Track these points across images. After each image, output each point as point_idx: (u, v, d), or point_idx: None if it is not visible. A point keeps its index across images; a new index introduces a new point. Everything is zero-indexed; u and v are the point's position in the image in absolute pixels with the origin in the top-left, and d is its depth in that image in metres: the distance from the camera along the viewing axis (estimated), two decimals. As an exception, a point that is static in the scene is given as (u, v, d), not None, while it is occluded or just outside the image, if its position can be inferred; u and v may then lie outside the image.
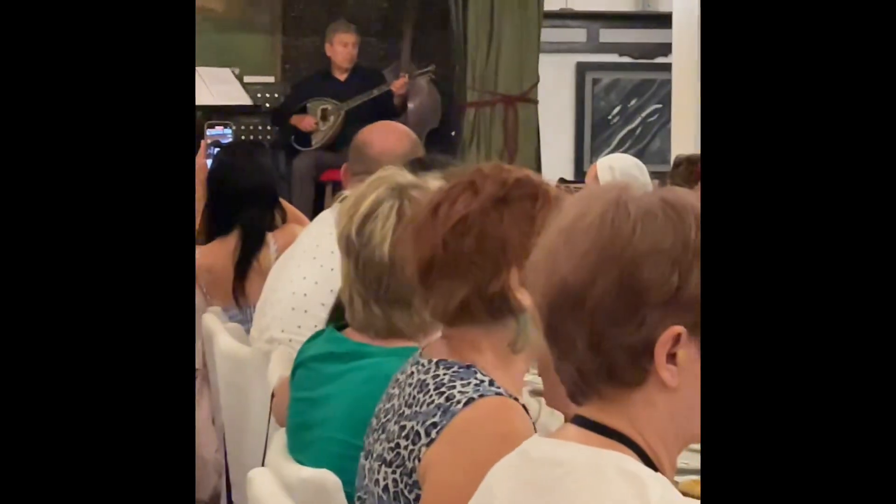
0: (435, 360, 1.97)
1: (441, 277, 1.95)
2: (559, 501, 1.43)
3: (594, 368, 1.42)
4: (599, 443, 1.42)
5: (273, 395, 3.05)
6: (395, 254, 2.24)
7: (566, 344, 1.43)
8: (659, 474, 1.38)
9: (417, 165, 3.14)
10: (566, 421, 1.62)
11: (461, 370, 1.93)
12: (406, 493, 1.87)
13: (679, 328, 1.33)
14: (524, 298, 1.75)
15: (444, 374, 1.94)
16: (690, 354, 1.38)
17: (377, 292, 2.34)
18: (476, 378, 1.91)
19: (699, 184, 4.93)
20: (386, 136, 3.95)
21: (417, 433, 1.89)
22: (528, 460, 1.51)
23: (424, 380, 1.96)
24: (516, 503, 1.49)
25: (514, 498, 1.49)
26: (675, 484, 1.49)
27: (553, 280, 1.43)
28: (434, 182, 2.37)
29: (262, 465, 2.59)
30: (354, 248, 2.36)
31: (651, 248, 1.38)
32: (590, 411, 1.45)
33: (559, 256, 1.43)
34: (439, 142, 7.76)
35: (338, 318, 2.67)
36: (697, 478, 2.34)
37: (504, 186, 1.95)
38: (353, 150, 3.87)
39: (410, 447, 1.88)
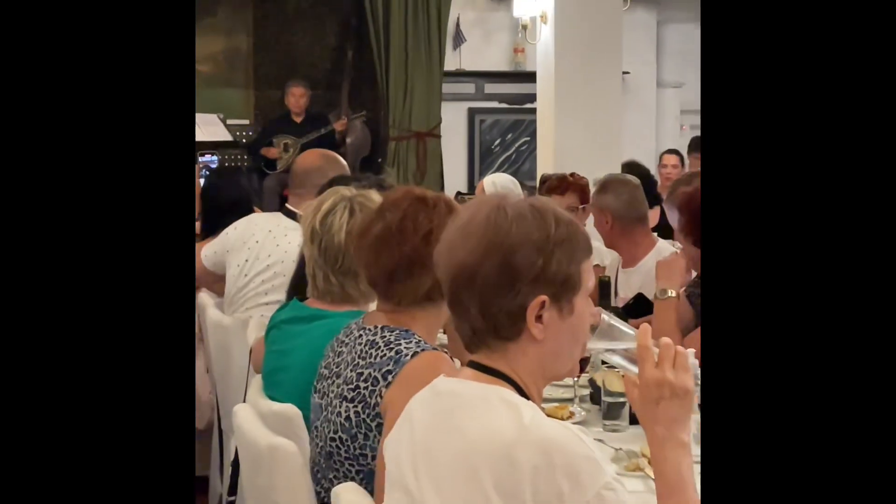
0: (380, 326, 2.14)
1: (410, 275, 2.07)
2: (457, 421, 1.55)
3: (483, 327, 1.54)
4: (487, 380, 1.56)
5: (251, 351, 3.19)
6: (348, 240, 2.40)
7: (463, 309, 1.55)
8: (530, 402, 1.52)
9: (341, 181, 3.38)
10: (462, 365, 1.72)
11: (402, 333, 2.09)
12: (368, 421, 2.00)
13: (543, 297, 1.50)
14: None
15: (391, 335, 2.09)
16: (552, 316, 1.54)
17: (334, 266, 2.50)
18: (415, 338, 2.06)
19: (563, 195, 4.41)
20: (308, 159, 4.25)
21: (375, 378, 2.02)
22: (436, 393, 1.62)
23: (374, 340, 2.10)
24: (426, 424, 1.60)
25: (425, 420, 1.60)
26: (542, 409, 1.59)
27: (453, 263, 1.55)
28: (374, 195, 2.64)
29: (244, 401, 2.66)
30: (318, 236, 2.55)
31: (523, 239, 1.51)
32: (480, 358, 1.59)
33: (457, 246, 1.55)
34: (369, 167, 8.36)
35: (299, 293, 2.83)
36: (559, 404, 2.74)
37: (451, 206, 2.14)
38: (291, 173, 4.32)
39: (371, 388, 2.01)
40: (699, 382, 1.94)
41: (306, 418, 2.34)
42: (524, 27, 7.95)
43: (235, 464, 2.89)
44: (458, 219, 1.67)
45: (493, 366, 1.59)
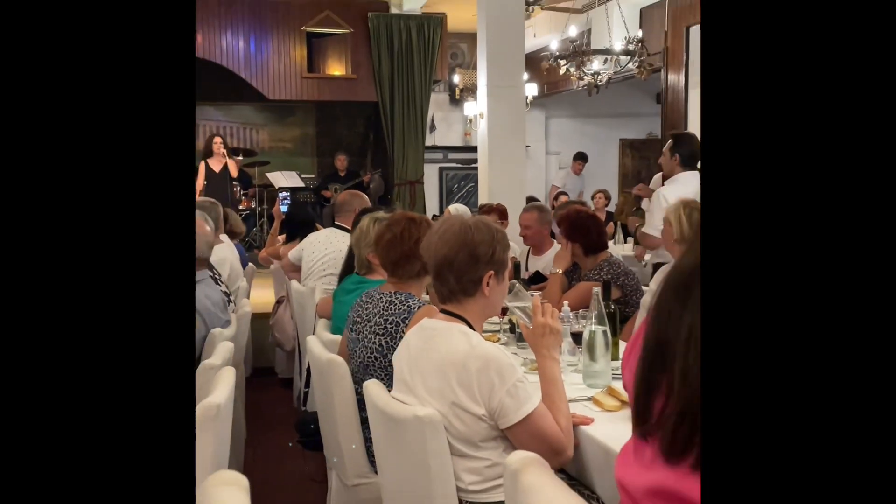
0: (393, 292, 2.38)
1: (407, 263, 2.39)
2: (434, 343, 1.80)
3: (455, 290, 1.85)
4: (452, 320, 1.82)
5: (317, 305, 3.54)
6: (376, 242, 2.55)
7: (443, 280, 1.84)
8: (476, 332, 1.80)
9: (367, 211, 3.75)
10: (438, 310, 1.90)
11: (408, 296, 2.38)
12: (393, 346, 2.22)
13: (491, 272, 1.81)
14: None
15: (402, 297, 2.38)
16: (493, 283, 1.84)
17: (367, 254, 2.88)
18: (415, 298, 2.37)
19: (490, 214, 4.99)
20: (345, 196, 4.63)
21: (396, 322, 2.31)
22: (422, 327, 1.88)
23: (391, 300, 2.37)
24: (416, 345, 1.86)
25: (416, 342, 1.86)
26: (483, 336, 1.79)
27: (438, 255, 1.84)
28: (383, 215, 2.90)
29: (313, 334, 2.84)
30: (364, 237, 2.87)
31: (480, 240, 1.82)
32: (448, 308, 1.85)
33: (439, 245, 1.84)
34: (385, 202, 9.42)
35: (347, 273, 3.13)
36: (492, 334, 2.92)
37: (429, 223, 2.32)
38: (336, 204, 4.66)
39: (394, 328, 2.31)
40: (568, 321, 2.45)
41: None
42: (470, 121, 10.02)
43: (308, 371, 3.01)
44: (436, 229, 1.90)
45: (456, 312, 1.86)
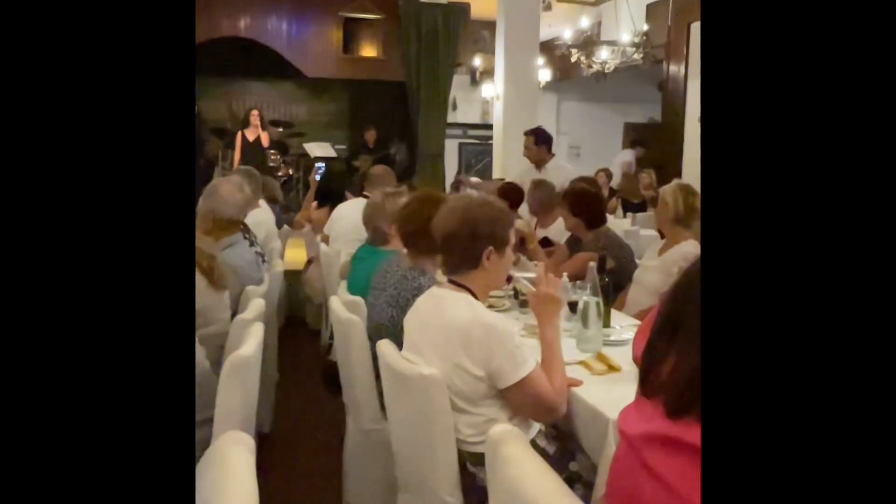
0: (408, 267, 2.37)
1: (422, 238, 2.28)
2: (441, 310, 1.81)
3: (461, 261, 1.85)
4: (457, 290, 1.84)
5: (340, 267, 3.55)
6: (398, 215, 2.52)
7: (450, 253, 1.86)
8: (479, 302, 1.82)
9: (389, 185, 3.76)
10: (446, 280, 1.90)
11: (421, 273, 2.37)
12: (402, 318, 2.07)
13: (491, 247, 1.81)
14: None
15: (413, 270, 2.38)
16: (495, 257, 1.83)
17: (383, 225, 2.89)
18: (427, 275, 2.36)
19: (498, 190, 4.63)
20: (377, 170, 4.65)
21: (407, 298, 2.26)
22: (431, 295, 1.92)
23: (405, 274, 2.37)
24: (425, 310, 1.90)
25: (425, 308, 1.90)
26: (487, 303, 1.84)
27: (445, 230, 1.85)
28: (395, 190, 3.02)
29: (336, 294, 2.86)
30: (376, 209, 2.93)
31: (481, 217, 1.82)
32: (455, 278, 1.86)
33: (446, 220, 1.86)
34: (410, 173, 9.31)
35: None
36: (497, 299, 2.86)
37: (442, 200, 2.22)
38: (367, 176, 4.67)
39: (404, 302, 2.25)
40: (566, 291, 2.38)
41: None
42: (487, 101, 9.98)
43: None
44: (446, 207, 1.91)
45: (462, 282, 1.86)
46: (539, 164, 5.34)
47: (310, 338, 5.08)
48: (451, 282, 1.89)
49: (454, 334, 1.75)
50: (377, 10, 9.56)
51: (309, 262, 5.01)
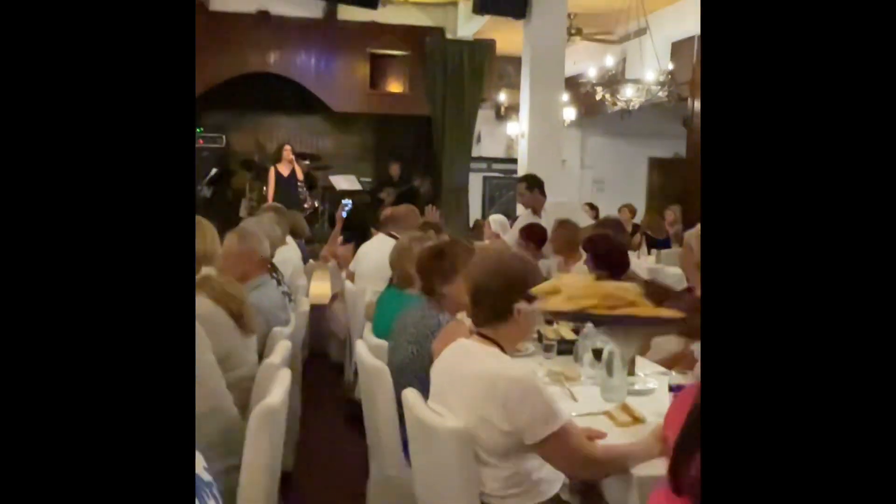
0: (427, 307, 2.48)
1: (444, 284, 2.44)
2: (467, 362, 1.82)
3: (491, 314, 1.83)
4: (485, 342, 1.85)
5: (366, 308, 3.64)
6: (419, 256, 2.62)
7: (480, 305, 1.86)
8: (506, 355, 1.83)
9: (419, 228, 3.96)
10: (471, 333, 1.90)
11: (439, 312, 2.45)
12: (424, 353, 2.28)
13: (524, 301, 1.82)
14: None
15: (432, 309, 2.47)
16: (525, 310, 1.82)
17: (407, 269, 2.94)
18: (446, 314, 2.42)
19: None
20: (402, 210, 4.82)
21: (426, 334, 2.38)
22: (457, 345, 1.92)
23: (424, 314, 2.47)
24: (452, 362, 1.90)
25: (451, 360, 1.91)
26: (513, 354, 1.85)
27: (477, 282, 1.87)
28: (422, 235, 3.14)
29: (361, 338, 2.81)
30: (403, 252, 3.05)
31: (515, 270, 1.85)
32: (483, 331, 1.86)
33: (479, 272, 1.90)
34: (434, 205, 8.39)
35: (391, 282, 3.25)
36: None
37: (467, 249, 2.41)
38: (392, 215, 4.77)
39: (423, 339, 2.36)
40: (591, 337, 2.44)
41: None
42: (513, 138, 10.05)
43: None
44: (481, 258, 1.98)
45: (489, 336, 1.88)
46: (536, 208, 5.32)
47: (333, 372, 5.08)
48: (479, 334, 1.89)
49: (481, 388, 1.75)
50: (404, 46, 9.73)
51: (334, 297, 5.04)
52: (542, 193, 5.48)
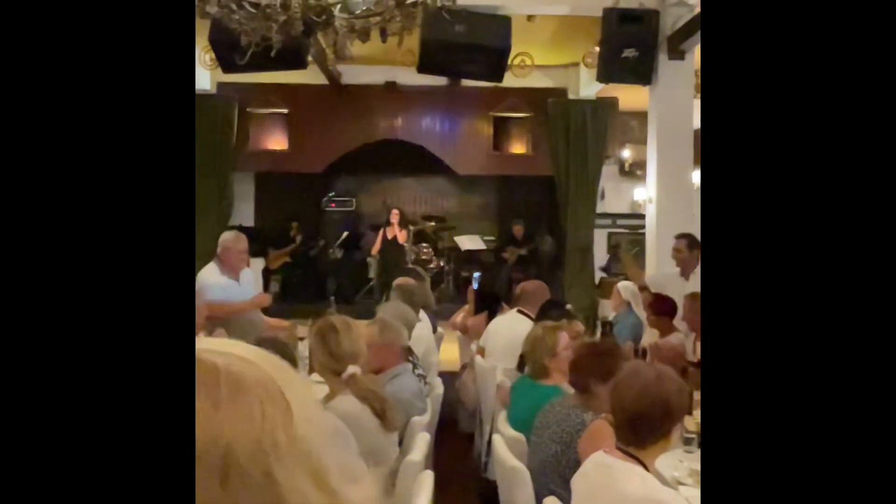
0: (572, 405, 2.47)
1: (591, 383, 2.44)
2: (611, 480, 1.80)
3: (647, 438, 1.84)
4: (628, 459, 1.82)
5: (498, 392, 3.55)
6: (577, 354, 2.62)
7: (636, 430, 1.85)
8: (650, 475, 1.80)
9: (549, 306, 4.03)
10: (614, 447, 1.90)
11: (583, 410, 2.44)
12: (569, 453, 2.28)
13: (678, 424, 1.89)
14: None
15: (577, 408, 2.47)
16: (681, 429, 2.09)
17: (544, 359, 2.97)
18: (591, 413, 2.40)
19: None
20: (531, 285, 4.70)
21: (571, 434, 2.38)
22: (600, 463, 1.90)
23: (569, 413, 2.46)
24: (592, 478, 1.88)
25: (592, 476, 1.89)
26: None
27: (635, 409, 1.85)
28: (556, 324, 3.07)
29: (493, 421, 3.04)
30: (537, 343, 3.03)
31: (674, 397, 1.84)
32: (627, 448, 1.85)
33: (636, 398, 1.84)
34: (558, 265, 9.34)
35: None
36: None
37: (621, 355, 2.49)
38: (521, 291, 4.64)
39: (569, 437, 2.35)
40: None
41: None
42: (639, 201, 9.93)
43: (489, 442, 3.04)
44: (639, 380, 1.88)
45: (634, 454, 1.87)
46: (687, 270, 5.06)
47: (462, 442, 5.03)
48: (622, 450, 1.87)
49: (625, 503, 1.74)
50: (527, 108, 9.86)
51: (463, 367, 5.04)
52: (699, 258, 5.12)
